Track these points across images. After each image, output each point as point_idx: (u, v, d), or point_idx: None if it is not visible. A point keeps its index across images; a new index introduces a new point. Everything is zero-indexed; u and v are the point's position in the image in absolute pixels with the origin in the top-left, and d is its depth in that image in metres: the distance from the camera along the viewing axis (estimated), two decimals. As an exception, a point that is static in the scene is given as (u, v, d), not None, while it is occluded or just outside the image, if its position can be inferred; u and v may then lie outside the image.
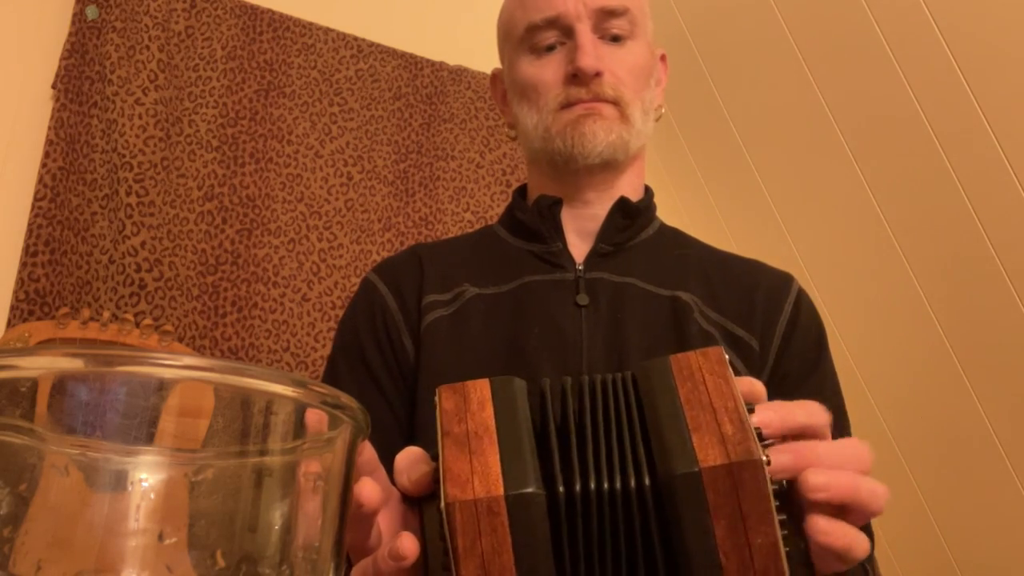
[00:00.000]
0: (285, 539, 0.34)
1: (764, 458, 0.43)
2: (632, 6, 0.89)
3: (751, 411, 0.45)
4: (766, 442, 0.46)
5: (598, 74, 0.85)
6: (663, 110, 0.95)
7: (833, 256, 1.86)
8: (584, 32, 0.86)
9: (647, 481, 0.45)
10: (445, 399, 0.48)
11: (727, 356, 0.47)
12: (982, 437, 1.59)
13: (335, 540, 0.36)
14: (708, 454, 0.43)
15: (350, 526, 0.45)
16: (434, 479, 0.48)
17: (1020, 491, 1.55)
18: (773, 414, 0.48)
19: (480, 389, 0.48)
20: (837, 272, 1.84)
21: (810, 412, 0.49)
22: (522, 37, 0.90)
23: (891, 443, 1.75)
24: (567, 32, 0.87)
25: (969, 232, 1.58)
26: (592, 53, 0.85)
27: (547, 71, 0.88)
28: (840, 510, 0.48)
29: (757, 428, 0.45)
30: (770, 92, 1.96)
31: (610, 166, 0.88)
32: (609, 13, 0.87)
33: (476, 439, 0.46)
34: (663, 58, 0.97)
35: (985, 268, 1.56)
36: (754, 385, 0.50)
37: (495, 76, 1.00)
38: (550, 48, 0.88)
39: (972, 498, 1.61)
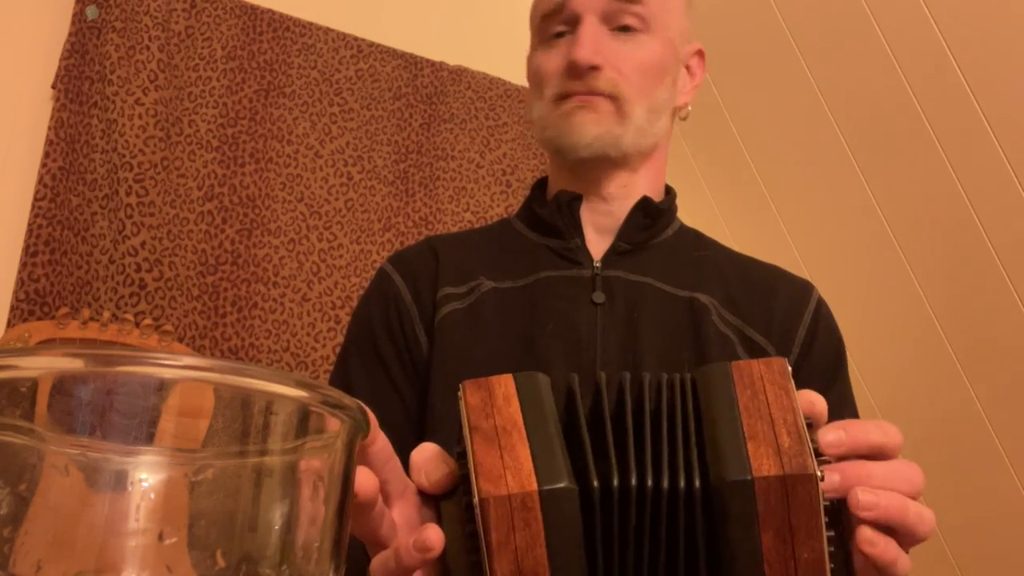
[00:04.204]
0: (285, 539, 0.34)
1: (819, 473, 0.43)
2: None
3: (810, 426, 0.45)
4: (822, 458, 0.45)
5: (595, 68, 0.83)
6: (689, 108, 0.92)
7: (833, 256, 1.86)
8: (588, 23, 0.84)
9: (697, 483, 0.45)
10: (470, 394, 0.48)
11: (790, 368, 0.47)
12: (982, 436, 1.59)
13: (335, 540, 0.36)
14: (763, 464, 0.43)
15: (353, 517, 0.44)
16: (460, 476, 0.47)
17: (1020, 491, 1.55)
18: (844, 434, 0.47)
19: (504, 384, 0.48)
20: (837, 272, 1.84)
21: (885, 432, 0.48)
22: (538, 26, 0.89)
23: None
24: (574, 22, 0.85)
25: (969, 232, 1.58)
26: (589, 46, 0.82)
27: (551, 62, 0.86)
28: (888, 532, 0.47)
29: (815, 444, 0.44)
30: (770, 92, 1.96)
31: (611, 162, 0.86)
32: None
33: (505, 434, 0.46)
34: (700, 53, 0.93)
35: (985, 268, 1.56)
36: (815, 398, 0.49)
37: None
38: (559, 35, 0.87)
39: (972, 498, 1.61)
